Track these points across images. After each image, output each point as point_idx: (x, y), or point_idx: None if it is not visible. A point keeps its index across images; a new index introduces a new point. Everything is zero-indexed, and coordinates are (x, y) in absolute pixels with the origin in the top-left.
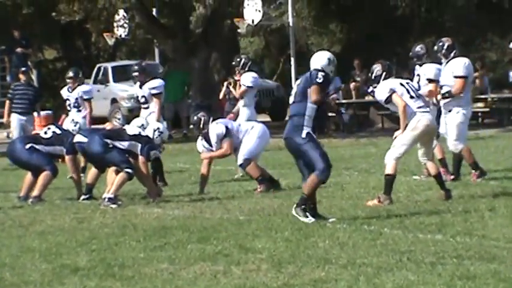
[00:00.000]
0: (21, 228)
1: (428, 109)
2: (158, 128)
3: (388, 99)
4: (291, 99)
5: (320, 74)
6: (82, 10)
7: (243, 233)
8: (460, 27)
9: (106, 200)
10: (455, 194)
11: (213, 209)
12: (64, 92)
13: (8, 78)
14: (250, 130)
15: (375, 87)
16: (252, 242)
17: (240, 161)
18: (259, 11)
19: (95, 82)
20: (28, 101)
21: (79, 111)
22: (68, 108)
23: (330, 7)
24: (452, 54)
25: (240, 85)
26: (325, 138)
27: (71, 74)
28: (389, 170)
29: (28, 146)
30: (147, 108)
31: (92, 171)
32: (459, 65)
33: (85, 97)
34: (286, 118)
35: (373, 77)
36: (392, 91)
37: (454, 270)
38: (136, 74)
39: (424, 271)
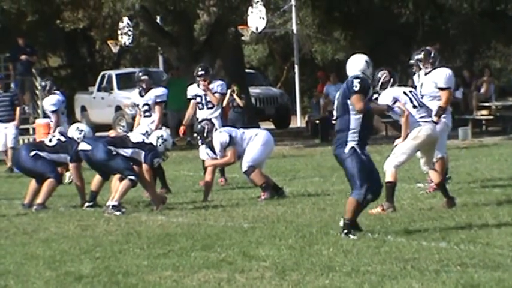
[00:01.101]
0: (25, 235)
1: (430, 119)
2: (162, 136)
3: (391, 107)
4: (335, 114)
5: (356, 82)
6: (86, 18)
7: (246, 241)
8: (464, 35)
9: (110, 207)
10: (459, 201)
11: (217, 217)
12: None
13: (12, 85)
14: (255, 137)
15: (379, 94)
16: (256, 250)
17: (244, 168)
18: (263, 18)
19: (99, 90)
20: (6, 108)
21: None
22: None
23: (333, 15)
24: (436, 63)
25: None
26: (329, 146)
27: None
28: (389, 177)
29: (33, 153)
30: (149, 116)
31: (96, 179)
32: (442, 76)
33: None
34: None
35: (379, 84)
36: (396, 99)
37: (458, 278)
38: (144, 78)
39: (428, 279)
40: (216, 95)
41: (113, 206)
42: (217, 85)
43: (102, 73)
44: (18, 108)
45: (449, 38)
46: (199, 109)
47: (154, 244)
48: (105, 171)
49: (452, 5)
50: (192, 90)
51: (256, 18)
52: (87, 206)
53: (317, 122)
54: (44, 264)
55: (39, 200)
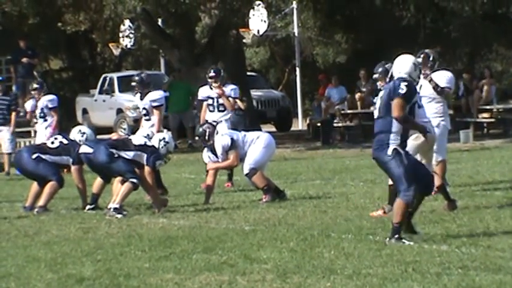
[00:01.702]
0: (27, 238)
1: (428, 119)
2: (164, 138)
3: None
4: (376, 114)
5: (403, 84)
6: (88, 20)
7: (248, 243)
8: (465, 38)
9: (111, 210)
10: (460, 204)
11: (219, 219)
12: (28, 105)
13: (14, 88)
14: (256, 140)
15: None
16: (257, 252)
17: (246, 170)
18: (265, 21)
19: (100, 92)
20: (3, 111)
21: (45, 120)
22: (35, 120)
23: (335, 17)
24: (435, 66)
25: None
26: (330, 149)
27: (35, 85)
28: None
29: (35, 155)
30: (148, 120)
31: (98, 181)
32: (444, 78)
33: (50, 106)
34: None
35: (389, 76)
36: None
37: (460, 281)
38: (134, 84)
39: (429, 282)
40: (230, 99)
41: (115, 209)
42: (230, 89)
43: (103, 76)
44: (13, 114)
45: (451, 41)
46: (210, 111)
47: (155, 247)
48: (107, 174)
49: (453, 7)
50: (204, 91)
51: (258, 21)
52: (89, 209)
53: (318, 124)
54: (46, 267)
55: (41, 202)
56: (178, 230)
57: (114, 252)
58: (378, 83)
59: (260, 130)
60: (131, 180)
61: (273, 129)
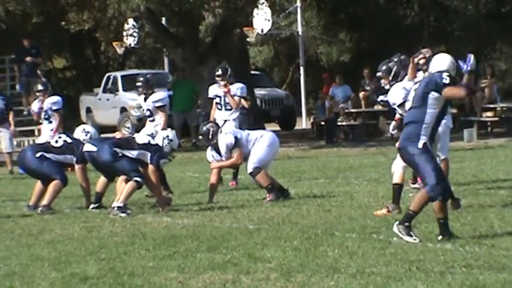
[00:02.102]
0: (31, 237)
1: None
2: (168, 136)
3: (403, 103)
4: (408, 105)
5: (445, 75)
6: (91, 19)
7: (252, 242)
8: (469, 37)
9: (115, 208)
10: (464, 203)
11: (223, 218)
12: (34, 106)
13: (17, 87)
14: (260, 139)
15: (385, 96)
16: (261, 251)
17: (250, 169)
18: (269, 20)
19: (104, 91)
20: (1, 110)
21: (50, 122)
22: (40, 121)
23: (339, 16)
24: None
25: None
26: (334, 147)
27: (40, 87)
28: (396, 179)
29: (38, 154)
30: (152, 121)
31: (101, 180)
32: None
33: (54, 108)
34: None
35: (392, 74)
36: (407, 95)
37: (464, 279)
38: (139, 84)
39: (433, 280)
40: (236, 98)
41: (119, 208)
42: (237, 87)
43: (107, 74)
44: (11, 113)
45: (455, 40)
46: (218, 109)
47: (159, 245)
48: (111, 173)
49: (457, 6)
50: (213, 90)
51: (262, 20)
52: (93, 208)
53: (322, 123)
54: (50, 266)
55: (45, 201)
56: (182, 229)
57: (118, 251)
58: (382, 81)
59: (264, 129)
60: (135, 179)
61: (277, 128)
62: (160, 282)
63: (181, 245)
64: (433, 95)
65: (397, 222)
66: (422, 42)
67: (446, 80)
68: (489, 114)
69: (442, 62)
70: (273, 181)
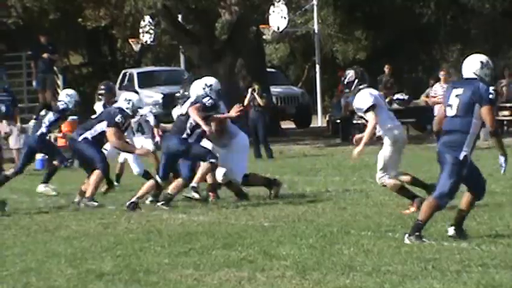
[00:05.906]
0: (47, 233)
1: (398, 122)
2: (130, 99)
3: (369, 109)
4: (450, 112)
5: (491, 89)
6: (108, 16)
7: (267, 240)
8: (485, 35)
9: (190, 188)
10: (480, 202)
11: (238, 216)
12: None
13: (34, 83)
14: (235, 146)
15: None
16: (277, 249)
17: (239, 179)
18: (285, 17)
19: (120, 88)
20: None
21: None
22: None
23: (355, 14)
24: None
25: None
26: (350, 145)
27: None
28: (395, 188)
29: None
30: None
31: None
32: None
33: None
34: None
35: (345, 83)
36: (375, 103)
37: (479, 278)
38: (102, 92)
39: (449, 279)
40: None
41: (192, 187)
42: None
43: (123, 71)
44: (17, 109)
45: (471, 38)
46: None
47: (175, 242)
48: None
49: (473, 4)
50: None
51: (278, 18)
52: (162, 204)
53: (338, 121)
54: (66, 262)
55: (88, 194)
56: (197, 226)
57: (134, 247)
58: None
59: (279, 126)
60: (211, 160)
61: (293, 125)
62: (176, 279)
63: (197, 242)
64: (477, 106)
65: (407, 234)
66: (439, 41)
67: (492, 96)
68: (505, 113)
69: (470, 64)
70: (263, 177)
